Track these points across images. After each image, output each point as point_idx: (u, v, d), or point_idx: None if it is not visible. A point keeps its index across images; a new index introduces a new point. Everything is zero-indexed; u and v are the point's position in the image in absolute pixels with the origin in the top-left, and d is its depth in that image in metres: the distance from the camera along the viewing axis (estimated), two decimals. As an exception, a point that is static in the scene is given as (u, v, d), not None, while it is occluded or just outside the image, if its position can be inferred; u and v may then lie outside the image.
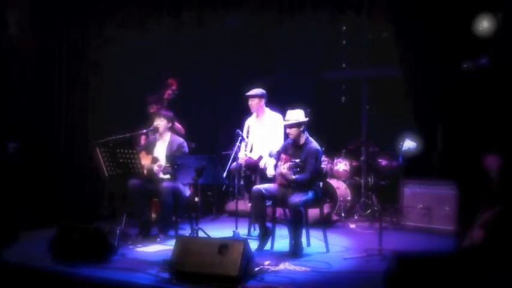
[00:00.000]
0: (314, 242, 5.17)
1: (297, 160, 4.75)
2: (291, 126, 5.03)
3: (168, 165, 5.32)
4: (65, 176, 6.46)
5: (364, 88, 7.80)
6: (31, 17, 6.25)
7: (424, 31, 6.06)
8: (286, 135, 5.45)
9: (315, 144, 5.03)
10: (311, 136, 5.14)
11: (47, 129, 6.43)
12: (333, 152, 7.05)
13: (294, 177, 4.81)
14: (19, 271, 4.22)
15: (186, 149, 5.63)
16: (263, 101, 5.84)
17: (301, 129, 5.04)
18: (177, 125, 6.25)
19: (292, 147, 5.13)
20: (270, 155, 5.30)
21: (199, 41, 7.52)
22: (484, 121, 4.44)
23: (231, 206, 7.00)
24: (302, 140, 5.07)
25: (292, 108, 5.10)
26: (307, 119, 5.07)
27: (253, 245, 4.81)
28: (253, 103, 5.80)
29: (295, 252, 4.77)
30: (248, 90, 5.89)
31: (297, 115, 5.04)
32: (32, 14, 6.25)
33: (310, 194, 4.89)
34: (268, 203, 5.08)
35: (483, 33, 4.79)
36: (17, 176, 5.75)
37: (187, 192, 5.51)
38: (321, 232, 5.04)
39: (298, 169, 4.77)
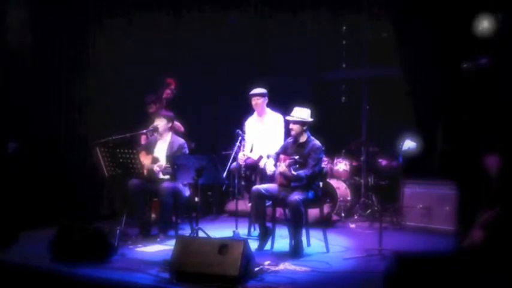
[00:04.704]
0: (314, 242, 5.17)
1: (296, 157, 4.76)
2: (294, 122, 5.04)
3: (168, 165, 5.32)
4: (65, 176, 6.46)
5: (364, 88, 7.80)
6: (31, 18, 6.25)
7: (424, 31, 6.06)
8: (287, 135, 5.46)
9: (318, 142, 5.05)
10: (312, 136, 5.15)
11: (47, 129, 6.43)
12: (333, 152, 7.05)
13: (294, 173, 4.81)
14: (19, 271, 4.22)
15: (187, 150, 5.64)
16: (266, 100, 5.86)
17: (304, 128, 5.05)
18: (176, 124, 6.25)
19: (292, 146, 5.13)
20: (268, 157, 5.31)
21: (199, 41, 7.52)
22: (484, 121, 4.44)
23: (231, 206, 7.00)
24: (303, 138, 5.07)
25: (298, 106, 5.11)
26: (311, 119, 5.08)
27: (253, 245, 4.81)
28: (258, 102, 5.81)
29: (295, 251, 4.78)
30: (249, 90, 5.90)
31: (303, 113, 5.05)
32: (31, 15, 6.25)
33: (310, 194, 4.89)
34: (268, 203, 5.08)
35: (483, 33, 4.79)
36: (17, 176, 5.75)
37: (186, 192, 5.52)
38: (321, 232, 5.04)
39: (297, 165, 4.77)
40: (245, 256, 3.75)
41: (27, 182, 5.91)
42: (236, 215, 5.67)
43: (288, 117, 5.14)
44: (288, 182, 4.93)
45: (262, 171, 5.55)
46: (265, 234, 5.02)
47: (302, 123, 5.03)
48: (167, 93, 6.56)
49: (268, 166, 5.15)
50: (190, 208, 5.72)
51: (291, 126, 5.08)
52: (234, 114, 7.11)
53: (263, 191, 4.93)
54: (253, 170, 5.74)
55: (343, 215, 6.69)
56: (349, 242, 5.45)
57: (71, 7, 6.53)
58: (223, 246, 3.81)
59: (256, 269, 3.99)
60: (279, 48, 7.96)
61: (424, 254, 3.60)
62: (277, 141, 5.65)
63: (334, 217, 6.60)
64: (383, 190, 6.75)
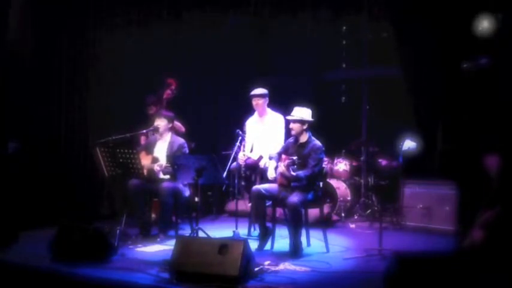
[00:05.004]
0: (314, 242, 5.17)
1: (295, 158, 4.76)
2: (294, 121, 5.04)
3: (168, 165, 5.32)
4: (65, 176, 6.46)
5: (364, 88, 7.80)
6: (31, 17, 6.25)
7: (424, 31, 6.06)
8: (288, 135, 5.46)
9: (318, 142, 5.05)
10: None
11: (47, 129, 6.43)
12: (333, 152, 7.05)
13: (293, 173, 4.81)
14: (19, 271, 4.22)
15: (187, 150, 5.64)
16: (267, 100, 5.86)
17: (305, 127, 5.04)
18: (177, 124, 6.25)
19: (293, 146, 5.13)
20: (270, 158, 5.31)
21: (199, 41, 7.52)
22: (484, 121, 4.44)
23: (231, 206, 7.01)
24: (304, 138, 5.07)
25: (299, 106, 5.11)
26: (312, 119, 5.08)
27: (253, 245, 4.81)
28: (259, 102, 5.81)
29: (295, 252, 4.77)
30: (249, 90, 5.89)
31: (303, 113, 5.05)
32: (32, 14, 6.25)
33: (309, 194, 4.89)
34: (268, 203, 5.08)
35: (483, 33, 4.79)
36: (17, 176, 5.75)
37: (186, 192, 5.52)
38: (321, 232, 5.04)
39: (296, 166, 4.77)
40: (245, 256, 3.76)
41: (27, 182, 5.91)
42: (236, 215, 5.67)
43: (288, 117, 5.14)
44: (288, 182, 4.93)
45: (262, 171, 5.55)
46: (265, 234, 5.02)
47: (302, 122, 5.02)
48: (167, 93, 6.56)
49: (270, 172, 5.15)
50: (190, 208, 5.72)
51: (291, 125, 5.08)
52: (234, 114, 7.11)
53: (263, 191, 4.93)
54: (253, 170, 5.74)
55: (343, 215, 6.69)
56: (349, 242, 5.46)
57: (71, 7, 6.53)
58: (223, 246, 3.81)
59: (256, 269, 3.99)
60: (279, 48, 7.96)
61: (424, 254, 3.60)
62: (278, 141, 5.65)
63: (334, 217, 6.60)
64: (383, 190, 6.75)
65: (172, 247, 4.03)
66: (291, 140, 5.24)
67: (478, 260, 2.97)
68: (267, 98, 5.86)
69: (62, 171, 6.43)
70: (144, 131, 5.82)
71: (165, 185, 5.32)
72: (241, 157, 5.66)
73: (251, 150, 5.88)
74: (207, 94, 8.13)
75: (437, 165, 6.04)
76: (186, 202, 5.56)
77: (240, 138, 5.69)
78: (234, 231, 5.49)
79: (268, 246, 5.03)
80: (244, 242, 3.87)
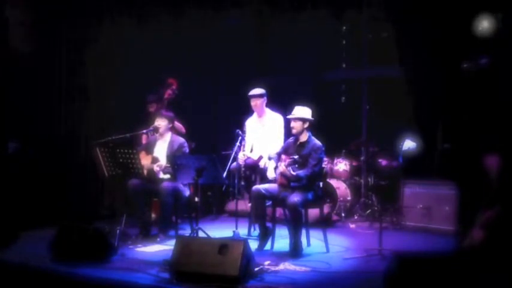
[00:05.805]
0: (314, 242, 5.17)
1: (296, 157, 4.76)
2: (295, 119, 5.04)
3: (168, 165, 5.32)
4: (65, 176, 6.46)
5: (364, 88, 7.80)
6: (31, 18, 6.25)
7: (424, 31, 6.06)
8: (287, 136, 5.46)
9: (318, 141, 5.05)
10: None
11: (47, 129, 6.43)
12: (333, 152, 7.05)
13: (293, 172, 4.81)
14: (19, 271, 4.22)
15: (187, 149, 5.64)
16: (265, 100, 5.86)
17: (305, 126, 5.05)
18: (177, 124, 6.25)
19: (293, 146, 5.13)
20: (270, 158, 5.31)
21: (199, 41, 7.52)
22: (484, 121, 4.44)
23: (231, 206, 7.00)
24: (304, 138, 5.07)
25: (299, 105, 5.11)
26: (312, 118, 5.08)
27: (253, 245, 4.81)
28: (257, 103, 5.81)
29: (295, 252, 4.78)
30: (248, 91, 5.89)
31: (304, 112, 5.05)
32: (32, 15, 6.25)
33: (309, 194, 4.89)
34: (268, 203, 5.08)
35: (483, 33, 4.79)
36: (17, 176, 5.75)
37: (187, 192, 5.52)
38: (321, 232, 5.04)
39: (297, 165, 4.77)
40: (245, 256, 3.76)
41: (27, 182, 5.90)
42: (236, 215, 5.67)
43: (288, 116, 5.15)
44: (288, 182, 4.93)
45: (262, 171, 5.55)
46: (265, 234, 5.02)
47: (303, 120, 5.03)
48: (168, 93, 6.55)
49: (269, 172, 5.15)
50: (190, 208, 5.72)
51: (292, 124, 5.08)
52: (234, 114, 7.11)
53: (263, 191, 4.93)
54: (253, 170, 5.74)
55: (343, 215, 6.69)
56: (349, 242, 5.46)
57: (71, 7, 6.53)
58: (223, 246, 3.81)
59: (256, 269, 3.99)
60: (279, 48, 7.96)
61: (424, 254, 3.61)
62: (277, 141, 5.65)
63: (334, 217, 6.60)
64: (383, 190, 6.75)
65: (172, 247, 4.03)
66: (290, 140, 5.24)
67: (478, 260, 2.97)
68: (266, 98, 5.86)
69: (62, 171, 6.43)
70: (144, 131, 5.81)
71: (165, 185, 5.32)
72: (241, 157, 5.66)
73: (251, 150, 5.88)
74: (207, 94, 8.13)
75: (437, 165, 6.05)
76: (186, 202, 5.56)
77: (240, 138, 5.68)
78: (234, 231, 5.49)
79: (268, 246, 5.03)
80: (244, 242, 3.87)
